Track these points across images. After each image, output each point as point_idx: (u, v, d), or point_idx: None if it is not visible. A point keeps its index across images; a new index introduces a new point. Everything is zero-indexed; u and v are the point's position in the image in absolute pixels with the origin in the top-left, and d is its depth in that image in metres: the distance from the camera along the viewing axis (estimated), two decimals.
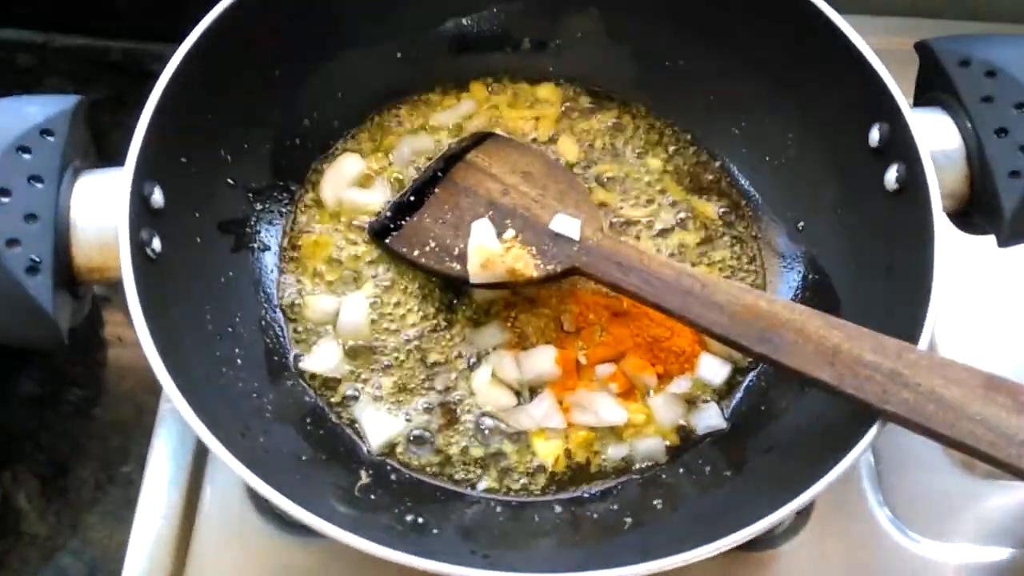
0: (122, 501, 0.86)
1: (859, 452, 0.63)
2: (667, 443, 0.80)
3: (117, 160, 0.68)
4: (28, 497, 0.89)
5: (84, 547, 0.87)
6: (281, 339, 0.83)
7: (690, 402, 0.82)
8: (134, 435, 0.89)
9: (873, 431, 0.64)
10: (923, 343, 0.66)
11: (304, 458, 0.74)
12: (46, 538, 0.87)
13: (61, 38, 1.14)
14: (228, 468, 0.62)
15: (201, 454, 0.82)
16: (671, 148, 0.94)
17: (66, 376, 0.95)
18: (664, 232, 0.89)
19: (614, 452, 0.80)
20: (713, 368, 0.82)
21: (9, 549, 0.86)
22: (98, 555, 0.86)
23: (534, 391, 0.81)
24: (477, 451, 0.80)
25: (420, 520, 0.73)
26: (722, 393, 0.83)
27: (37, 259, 0.64)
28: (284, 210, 0.88)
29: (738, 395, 0.82)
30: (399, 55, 0.93)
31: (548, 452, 0.79)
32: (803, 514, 0.81)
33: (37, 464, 0.90)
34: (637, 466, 0.80)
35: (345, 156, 0.91)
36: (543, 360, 0.81)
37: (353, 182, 0.90)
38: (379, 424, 0.80)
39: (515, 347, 0.82)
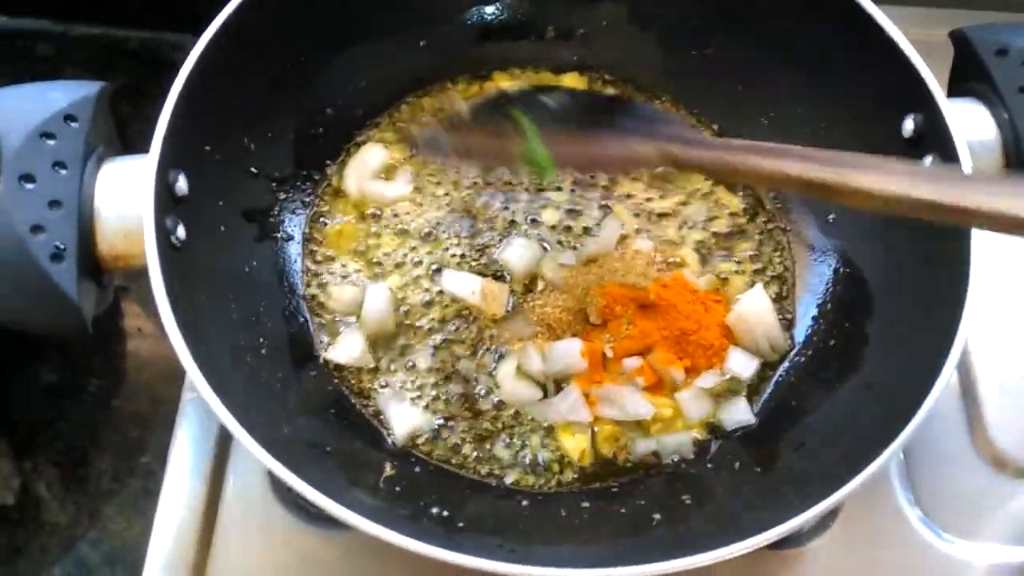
0: (140, 492, 0.87)
1: (891, 451, 0.62)
2: (695, 437, 0.80)
3: (136, 149, 0.68)
4: (48, 486, 0.89)
5: (102, 537, 0.87)
6: (305, 329, 0.82)
7: (719, 397, 0.81)
8: (153, 426, 0.90)
9: (908, 430, 0.63)
10: (959, 340, 0.65)
11: (328, 448, 0.74)
12: (65, 527, 0.87)
13: (79, 27, 1.14)
14: (251, 459, 0.62)
15: (224, 444, 0.82)
16: None
17: (85, 366, 0.95)
18: (690, 223, 0.88)
19: (641, 446, 0.79)
20: (741, 362, 0.81)
21: (29, 538, 0.86)
22: (116, 545, 0.87)
23: (559, 384, 0.81)
24: (502, 444, 0.79)
25: (445, 513, 0.72)
26: (752, 388, 0.82)
27: (61, 246, 0.64)
28: (307, 199, 0.88)
29: (768, 390, 0.81)
30: (422, 44, 0.92)
31: (574, 446, 0.78)
32: (831, 512, 0.80)
33: (57, 454, 0.90)
34: (665, 461, 0.79)
35: (369, 146, 0.90)
36: (569, 352, 0.80)
37: (377, 172, 0.89)
38: (404, 415, 0.79)
39: (541, 339, 0.82)
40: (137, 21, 1.13)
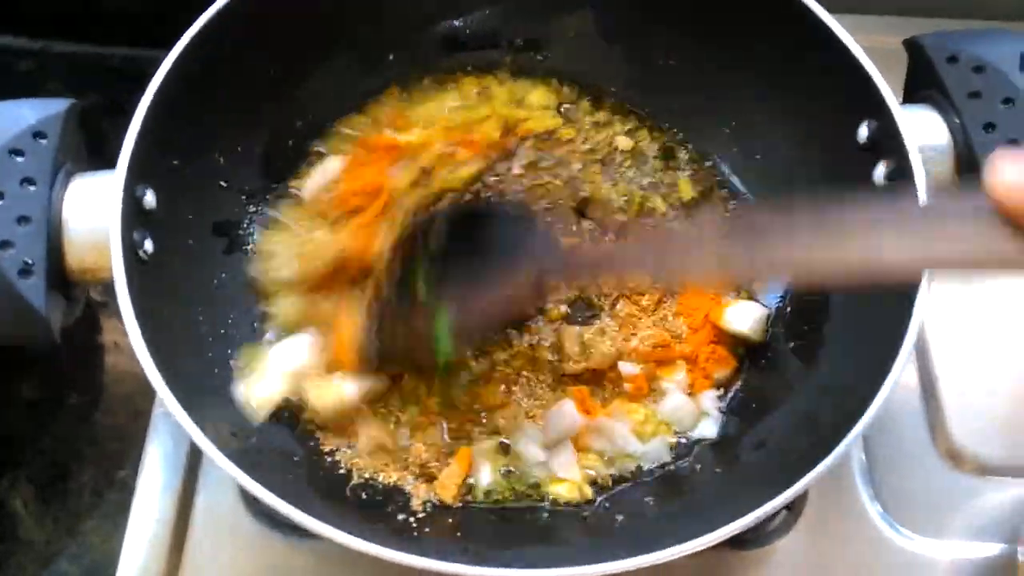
0: (119, 506, 0.86)
1: (844, 448, 0.63)
2: (669, 441, 0.80)
3: (114, 166, 0.68)
4: (25, 502, 0.89)
5: (81, 552, 0.87)
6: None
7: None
8: (132, 440, 0.89)
9: (858, 428, 0.64)
10: (909, 339, 0.66)
11: (296, 458, 0.75)
12: (43, 543, 0.87)
13: (59, 44, 1.15)
14: (222, 470, 0.62)
15: (195, 457, 0.83)
16: (663, 147, 0.94)
17: (64, 381, 0.95)
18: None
19: (621, 464, 0.79)
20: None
21: (6, 555, 0.86)
22: (95, 560, 0.87)
23: None
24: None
25: (411, 520, 0.73)
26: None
27: (30, 261, 0.65)
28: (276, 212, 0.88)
29: (729, 393, 0.83)
30: (391, 57, 0.93)
31: (565, 492, 0.77)
32: (796, 512, 0.82)
33: (34, 469, 0.90)
34: (646, 468, 0.79)
35: (330, 159, 0.89)
36: (565, 416, 0.79)
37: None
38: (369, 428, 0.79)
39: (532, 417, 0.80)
40: (117, 37, 1.13)
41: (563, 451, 0.78)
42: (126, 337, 0.64)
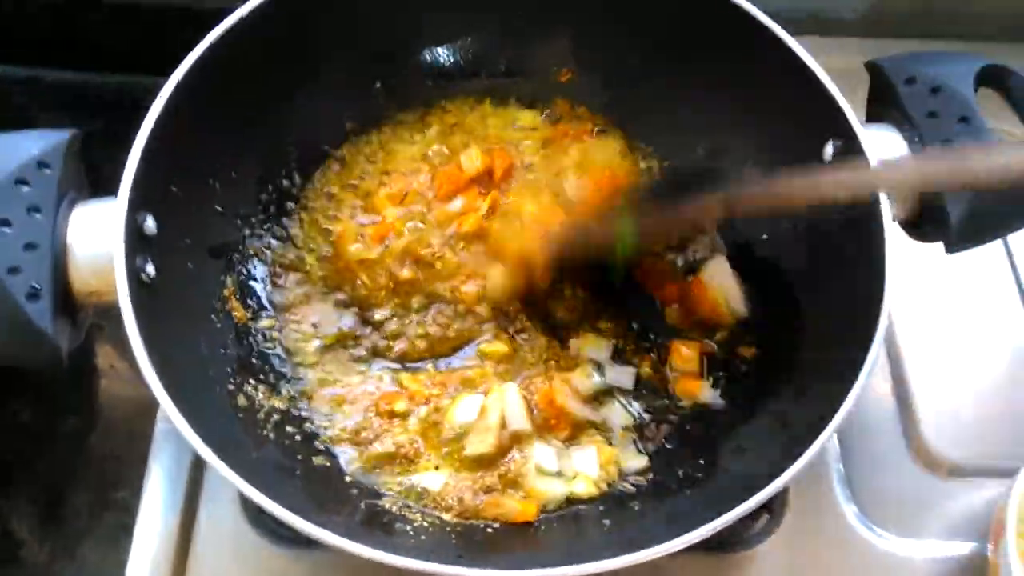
0: (117, 526, 0.87)
1: (817, 447, 0.66)
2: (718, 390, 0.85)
3: (110, 192, 0.71)
4: (25, 525, 0.90)
5: (81, 573, 0.88)
6: (271, 358, 0.85)
7: None
8: (128, 461, 0.90)
9: (833, 425, 0.67)
10: (876, 341, 0.70)
11: (297, 472, 0.77)
12: (44, 566, 0.88)
13: (53, 74, 1.16)
14: (224, 486, 0.65)
15: (197, 473, 0.84)
16: (640, 166, 0.97)
17: (61, 405, 0.96)
18: None
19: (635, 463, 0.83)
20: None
21: None
22: None
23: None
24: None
25: (409, 529, 0.76)
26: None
27: (37, 286, 0.67)
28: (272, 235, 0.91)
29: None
30: (378, 84, 0.96)
31: (584, 489, 0.80)
32: (776, 515, 0.84)
33: (33, 492, 0.91)
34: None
35: None
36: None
37: None
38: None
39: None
40: (110, 65, 1.14)
41: (587, 452, 0.81)
42: (121, 361, 0.66)
